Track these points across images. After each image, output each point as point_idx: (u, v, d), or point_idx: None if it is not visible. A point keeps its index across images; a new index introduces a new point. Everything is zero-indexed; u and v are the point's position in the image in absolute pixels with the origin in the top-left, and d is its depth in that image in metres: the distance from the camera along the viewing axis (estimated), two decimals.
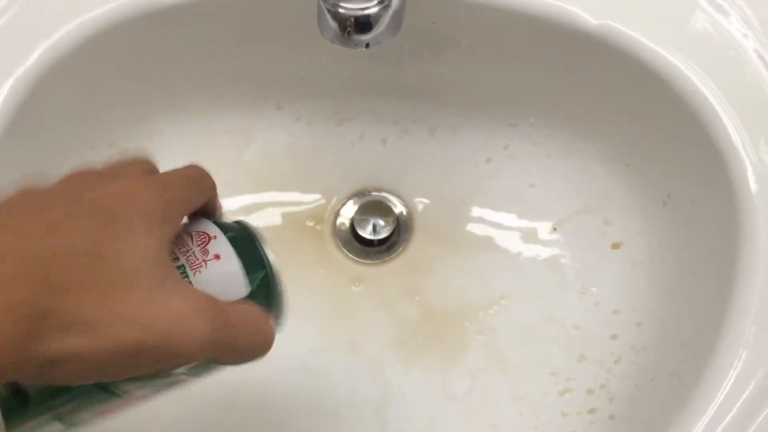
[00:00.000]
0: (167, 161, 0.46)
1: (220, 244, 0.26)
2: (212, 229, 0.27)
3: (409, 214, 0.49)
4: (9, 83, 0.39)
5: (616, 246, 0.46)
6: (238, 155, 0.49)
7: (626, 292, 0.45)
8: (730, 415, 0.34)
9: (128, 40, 0.41)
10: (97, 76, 0.42)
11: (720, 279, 0.38)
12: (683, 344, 0.40)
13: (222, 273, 0.26)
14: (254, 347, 0.26)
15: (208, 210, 0.28)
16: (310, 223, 0.49)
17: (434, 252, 0.48)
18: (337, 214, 0.49)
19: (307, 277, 0.47)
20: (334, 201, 0.49)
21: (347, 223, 0.49)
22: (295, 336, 0.45)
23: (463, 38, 0.44)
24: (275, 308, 0.28)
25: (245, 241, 0.27)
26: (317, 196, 0.49)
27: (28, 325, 0.21)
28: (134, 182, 0.25)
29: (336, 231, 0.49)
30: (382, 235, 0.48)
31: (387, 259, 0.48)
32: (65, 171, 0.45)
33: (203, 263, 0.25)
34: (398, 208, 0.49)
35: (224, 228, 0.28)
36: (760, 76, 0.39)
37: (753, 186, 0.37)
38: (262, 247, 0.27)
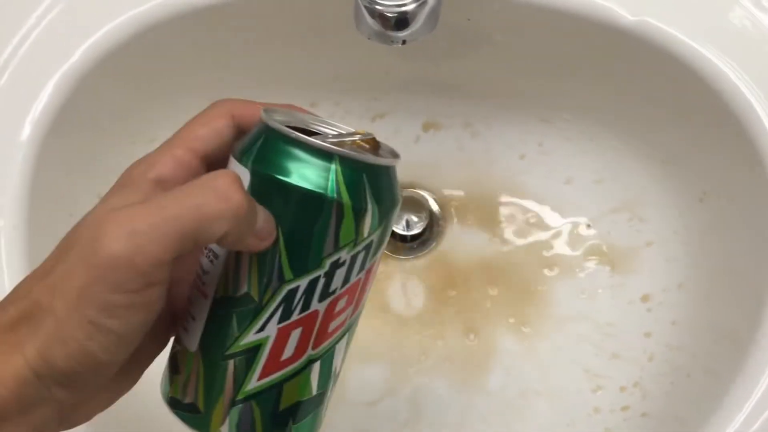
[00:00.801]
0: None
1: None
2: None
3: (443, 209, 0.49)
4: (54, 80, 0.40)
5: (650, 243, 0.46)
6: None
7: (660, 290, 0.44)
8: (766, 413, 0.34)
9: (168, 38, 0.42)
10: (139, 73, 0.43)
11: (756, 276, 0.37)
12: (719, 342, 0.40)
13: None
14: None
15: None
16: None
17: (467, 248, 0.48)
18: None
19: None
20: None
21: None
22: None
23: (497, 34, 0.44)
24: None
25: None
26: None
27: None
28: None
29: None
30: (416, 230, 0.48)
31: (420, 254, 0.48)
32: (108, 165, 0.46)
33: None
34: (431, 203, 0.49)
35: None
36: None
37: None
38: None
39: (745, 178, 0.39)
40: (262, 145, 0.25)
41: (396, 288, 0.48)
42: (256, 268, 0.25)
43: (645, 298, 0.45)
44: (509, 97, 0.48)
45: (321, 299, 0.26)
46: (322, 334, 0.26)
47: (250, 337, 0.26)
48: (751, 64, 0.39)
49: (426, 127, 0.49)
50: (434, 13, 0.37)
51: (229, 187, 0.24)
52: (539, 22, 0.42)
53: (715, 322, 0.41)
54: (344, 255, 0.25)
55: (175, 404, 0.28)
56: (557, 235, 0.48)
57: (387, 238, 0.27)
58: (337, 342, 0.27)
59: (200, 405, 0.27)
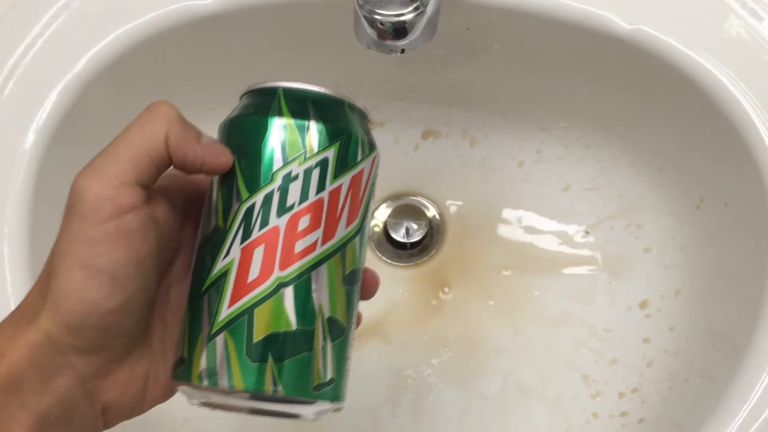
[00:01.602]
0: None
1: None
2: None
3: (442, 217, 0.49)
4: (58, 89, 0.40)
5: (648, 249, 0.46)
6: None
7: (658, 296, 0.45)
8: (762, 417, 0.34)
9: (172, 47, 0.43)
10: (142, 82, 0.43)
11: (753, 282, 0.38)
12: (716, 347, 0.40)
13: None
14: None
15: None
16: None
17: (466, 255, 0.48)
18: (370, 217, 0.49)
19: None
20: None
21: (380, 226, 0.49)
22: None
23: (495, 44, 0.44)
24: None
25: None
26: None
27: None
28: None
29: (369, 234, 0.49)
30: (415, 238, 0.48)
31: (420, 261, 0.49)
32: None
33: None
34: (431, 211, 0.50)
35: None
36: None
37: None
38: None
39: (741, 184, 0.40)
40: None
41: (395, 295, 0.48)
42: (221, 199, 0.27)
43: (643, 305, 0.45)
44: (507, 105, 0.48)
45: (279, 214, 0.26)
46: (288, 254, 0.26)
47: (219, 265, 0.26)
48: (746, 71, 0.39)
49: (425, 136, 0.50)
50: (432, 23, 0.37)
51: (156, 102, 0.27)
52: (537, 30, 0.42)
53: (713, 328, 0.41)
54: (296, 168, 0.26)
55: (174, 369, 0.27)
56: (555, 242, 0.48)
57: (355, 168, 0.28)
58: (311, 269, 0.26)
59: (185, 353, 0.26)
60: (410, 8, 0.36)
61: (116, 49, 0.41)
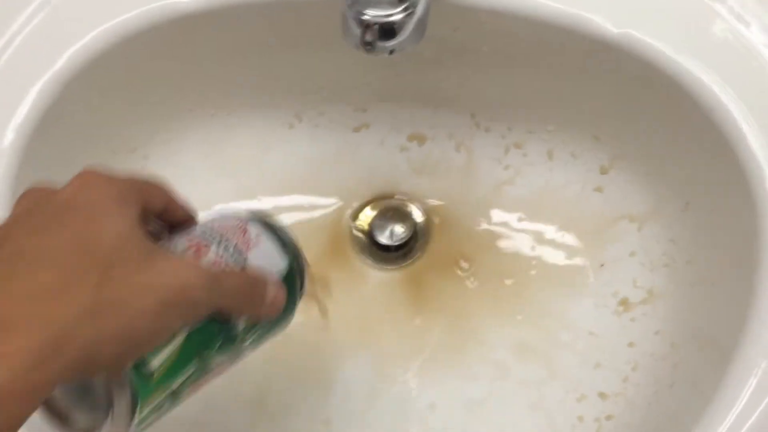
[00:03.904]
0: (189, 166, 0.47)
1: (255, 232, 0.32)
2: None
3: (427, 219, 0.49)
4: (37, 86, 0.40)
5: (634, 253, 0.46)
6: (259, 160, 0.49)
7: (644, 300, 0.45)
8: (748, 424, 0.34)
9: (153, 45, 0.42)
10: (123, 81, 0.43)
11: (740, 287, 0.38)
12: (702, 352, 0.40)
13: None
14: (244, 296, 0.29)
15: (177, 215, 0.31)
16: (328, 228, 0.49)
17: (451, 257, 0.48)
18: (355, 220, 0.49)
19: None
20: (352, 206, 0.49)
21: (365, 229, 0.49)
22: (316, 338, 0.45)
23: (483, 46, 0.44)
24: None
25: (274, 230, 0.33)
26: (335, 200, 0.49)
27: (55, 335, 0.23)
28: (86, 177, 0.27)
29: (354, 236, 0.49)
30: (400, 240, 0.48)
31: (404, 264, 0.48)
32: None
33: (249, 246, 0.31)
34: (416, 213, 0.49)
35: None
36: None
37: None
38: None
39: (728, 189, 0.40)
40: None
41: (379, 298, 0.47)
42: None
43: (629, 308, 0.45)
44: (494, 107, 0.48)
45: None
46: None
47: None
48: (732, 76, 0.39)
49: (411, 138, 0.50)
50: (421, 24, 0.37)
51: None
52: (525, 33, 0.42)
53: (699, 332, 0.41)
54: None
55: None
56: (541, 245, 0.48)
57: None
58: None
59: (156, 374, 0.27)
60: (399, 9, 0.35)
61: (97, 47, 0.40)
